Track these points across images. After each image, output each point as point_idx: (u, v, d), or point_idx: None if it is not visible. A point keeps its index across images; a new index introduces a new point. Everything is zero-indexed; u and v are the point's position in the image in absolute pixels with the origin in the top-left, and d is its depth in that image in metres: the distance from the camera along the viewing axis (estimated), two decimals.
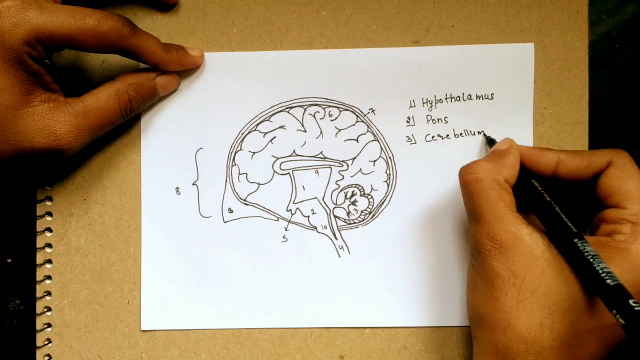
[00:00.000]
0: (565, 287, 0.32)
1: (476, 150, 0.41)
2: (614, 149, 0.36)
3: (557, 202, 0.35)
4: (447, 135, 0.41)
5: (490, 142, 0.40)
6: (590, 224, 0.36)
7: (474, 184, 0.35)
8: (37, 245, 0.42)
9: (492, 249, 0.33)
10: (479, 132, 0.41)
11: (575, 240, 0.32)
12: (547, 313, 0.32)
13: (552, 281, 0.32)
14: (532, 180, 0.36)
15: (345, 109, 0.41)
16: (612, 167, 0.35)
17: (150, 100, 0.41)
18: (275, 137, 0.41)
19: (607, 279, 0.30)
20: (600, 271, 0.30)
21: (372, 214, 0.41)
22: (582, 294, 0.32)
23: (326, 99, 0.41)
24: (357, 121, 0.41)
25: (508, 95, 0.41)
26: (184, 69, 0.41)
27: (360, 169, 0.41)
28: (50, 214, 0.42)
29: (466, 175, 0.35)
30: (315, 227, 0.41)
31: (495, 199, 0.34)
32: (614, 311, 0.29)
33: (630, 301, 0.29)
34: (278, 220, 0.42)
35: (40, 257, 0.42)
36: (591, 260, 0.31)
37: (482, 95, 0.41)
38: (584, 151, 0.36)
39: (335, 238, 0.41)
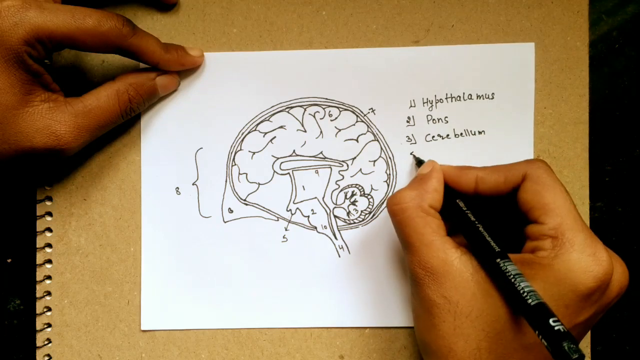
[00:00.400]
0: (495, 309, 0.32)
1: (476, 150, 0.41)
2: (530, 161, 0.36)
3: (484, 220, 0.34)
4: (448, 135, 0.41)
5: (419, 163, 0.40)
6: (521, 240, 0.36)
7: (400, 214, 0.35)
8: (37, 245, 0.42)
9: (425, 277, 0.33)
10: (480, 132, 0.41)
11: (498, 260, 0.32)
12: (482, 336, 0.32)
13: (483, 303, 0.32)
14: (457, 200, 0.36)
15: (345, 109, 0.41)
16: (528, 181, 0.34)
17: (150, 100, 0.41)
18: (275, 137, 0.41)
19: (528, 299, 0.30)
20: (521, 291, 0.30)
21: (372, 214, 0.41)
22: (510, 314, 0.32)
23: (326, 99, 0.41)
24: (357, 121, 0.41)
25: (508, 95, 0.40)
26: (184, 69, 0.41)
27: (360, 169, 0.41)
28: (50, 214, 0.42)
29: (392, 206, 0.35)
30: (315, 227, 0.41)
31: (421, 226, 0.34)
32: (537, 332, 0.29)
33: (551, 320, 0.29)
34: (278, 220, 0.42)
35: (40, 257, 0.42)
36: (512, 280, 0.31)
37: (482, 95, 0.41)
38: (502, 166, 0.36)
39: (335, 238, 0.41)
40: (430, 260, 0.33)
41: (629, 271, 0.34)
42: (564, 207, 0.33)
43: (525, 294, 0.30)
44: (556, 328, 0.28)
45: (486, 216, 0.35)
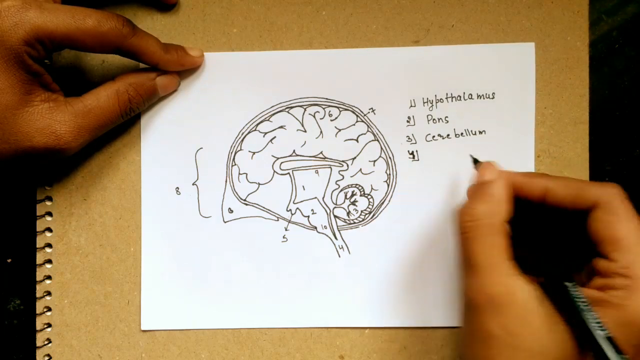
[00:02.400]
0: (559, 344, 0.30)
1: (477, 150, 0.41)
2: (605, 185, 0.33)
3: (553, 236, 0.33)
4: (448, 135, 0.41)
5: (476, 162, 0.38)
6: (590, 261, 0.34)
7: (472, 232, 0.32)
8: (37, 245, 0.42)
9: (486, 305, 0.31)
10: (480, 132, 0.41)
11: (567, 284, 0.31)
12: None
13: (547, 339, 0.30)
14: (528, 215, 0.34)
15: (345, 109, 0.41)
16: (599, 209, 0.32)
17: (150, 100, 0.41)
18: (275, 137, 0.41)
19: (598, 330, 0.29)
20: (591, 320, 0.29)
21: (372, 214, 0.41)
22: (574, 350, 0.31)
23: (326, 99, 0.41)
24: (357, 121, 0.41)
25: (509, 94, 0.40)
26: (184, 69, 0.41)
27: (360, 169, 0.41)
28: (50, 214, 0.42)
29: (467, 223, 0.33)
30: (315, 227, 0.41)
31: (489, 247, 0.32)
32: None
33: (622, 356, 0.28)
34: (278, 220, 0.42)
35: (40, 257, 0.42)
36: (582, 307, 0.30)
37: (482, 95, 0.41)
38: (574, 182, 0.34)
39: (335, 238, 0.41)
40: (494, 287, 0.31)
41: None
42: (638, 243, 0.31)
43: (596, 324, 0.29)
44: None
45: (554, 227, 0.33)
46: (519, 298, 0.31)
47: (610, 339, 0.29)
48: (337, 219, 0.41)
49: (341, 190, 0.41)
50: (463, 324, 0.34)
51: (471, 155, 0.39)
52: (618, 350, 0.28)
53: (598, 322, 0.29)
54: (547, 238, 0.33)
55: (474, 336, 0.32)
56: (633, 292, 0.31)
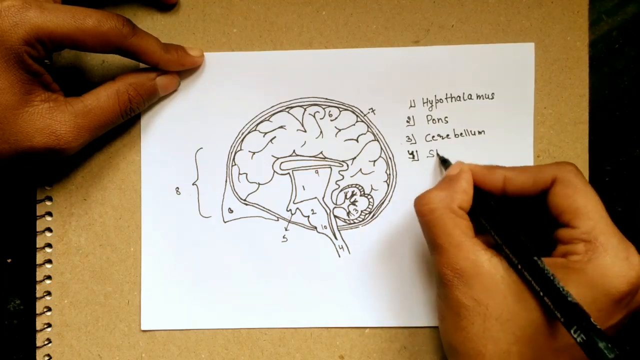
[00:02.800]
0: (527, 312, 0.32)
1: (476, 150, 0.41)
2: (559, 163, 0.35)
3: (513, 222, 0.34)
4: (448, 135, 0.41)
5: (443, 162, 0.40)
6: (550, 242, 0.36)
7: (429, 215, 0.34)
8: (37, 245, 0.42)
9: (454, 279, 0.33)
10: (480, 132, 0.41)
11: (535, 258, 0.32)
12: (512, 339, 0.31)
13: (514, 306, 0.32)
14: (489, 201, 0.35)
15: (345, 109, 0.41)
16: (558, 184, 0.34)
17: (150, 100, 0.41)
18: (275, 137, 0.41)
19: (568, 297, 0.30)
20: (560, 289, 0.30)
21: (372, 214, 0.41)
22: (543, 317, 0.32)
23: (326, 99, 0.41)
24: (357, 121, 0.41)
25: (508, 95, 0.40)
26: (184, 69, 0.41)
27: (360, 169, 0.41)
28: (50, 214, 0.42)
29: (421, 207, 0.35)
30: (315, 227, 0.41)
31: (451, 227, 0.33)
32: (573, 330, 0.29)
33: (591, 320, 0.29)
34: (278, 220, 0.42)
35: (40, 257, 0.42)
36: (551, 278, 0.31)
37: (482, 95, 0.41)
38: (530, 167, 0.36)
39: (335, 238, 0.41)
40: (460, 262, 0.33)
41: None
42: (596, 211, 0.33)
43: (564, 291, 0.30)
44: (596, 327, 0.29)
45: (513, 218, 0.35)
46: (485, 270, 0.32)
47: (578, 305, 0.30)
48: (337, 219, 0.41)
49: (341, 190, 0.41)
50: (437, 301, 0.35)
51: (437, 154, 0.40)
52: (587, 315, 0.29)
53: (567, 291, 0.30)
54: (507, 226, 0.34)
55: (448, 309, 0.33)
56: (594, 255, 0.32)
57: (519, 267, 0.32)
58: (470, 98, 0.41)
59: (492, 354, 0.31)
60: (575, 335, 0.29)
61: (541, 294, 0.31)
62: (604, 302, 0.32)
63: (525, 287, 0.32)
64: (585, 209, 0.33)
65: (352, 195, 0.41)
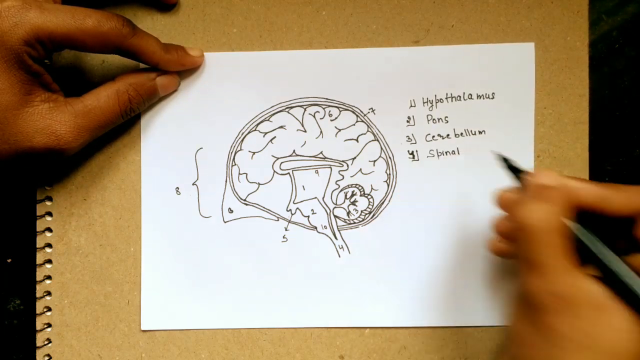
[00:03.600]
0: (636, 343, 0.29)
1: (476, 151, 0.41)
2: None
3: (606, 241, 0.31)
4: (448, 135, 0.41)
5: (513, 169, 0.35)
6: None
7: (535, 229, 0.31)
8: (37, 245, 0.42)
9: (557, 306, 0.29)
10: (480, 132, 0.41)
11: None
12: None
13: (626, 338, 0.29)
14: (585, 222, 0.32)
15: (345, 109, 0.41)
16: None
17: (150, 100, 0.41)
18: (275, 137, 0.41)
19: None
20: None
21: (372, 214, 0.41)
22: None
23: (326, 99, 0.41)
24: (357, 121, 0.41)
25: (509, 95, 0.40)
26: (184, 69, 0.41)
27: (360, 169, 0.41)
28: (50, 214, 0.42)
29: (528, 219, 0.31)
30: (315, 227, 0.41)
31: (561, 246, 0.30)
32: None
33: None
34: (278, 220, 0.42)
35: (40, 257, 0.42)
36: None
37: (482, 95, 0.41)
38: (629, 188, 0.32)
39: (335, 238, 0.41)
40: (564, 287, 0.30)
41: None
42: None
43: None
44: None
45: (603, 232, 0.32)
46: (592, 298, 0.29)
47: None
48: (337, 219, 0.41)
49: (341, 190, 0.41)
50: (517, 323, 0.32)
51: (505, 159, 0.35)
52: None
53: None
54: (611, 249, 0.31)
55: (539, 337, 0.30)
56: None
57: (625, 296, 0.30)
58: (471, 98, 0.41)
59: None
60: None
61: None
62: None
63: (632, 314, 0.29)
64: None
65: (352, 195, 0.41)
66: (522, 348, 0.31)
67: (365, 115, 0.41)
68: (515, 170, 0.35)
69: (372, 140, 0.41)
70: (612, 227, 0.32)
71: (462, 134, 0.41)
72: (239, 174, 0.42)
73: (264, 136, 0.42)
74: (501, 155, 0.35)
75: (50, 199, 0.42)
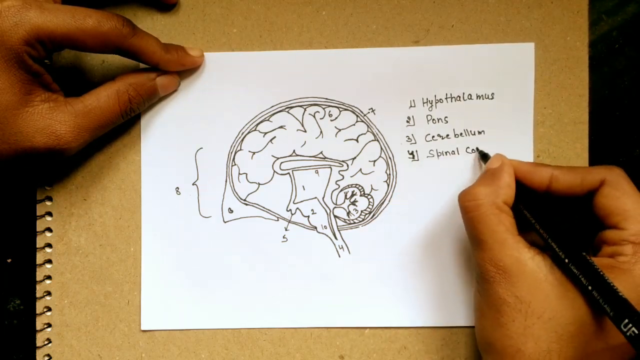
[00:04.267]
0: (570, 310, 0.32)
1: (475, 151, 0.41)
2: (608, 167, 0.36)
3: (557, 219, 0.34)
4: (447, 135, 0.41)
5: (483, 157, 0.40)
6: (591, 243, 0.36)
7: (475, 211, 0.34)
8: (37, 245, 0.42)
9: (496, 275, 0.33)
10: (479, 132, 0.41)
11: (584, 254, 0.32)
12: (554, 338, 0.32)
13: (557, 305, 0.32)
14: (534, 197, 0.35)
15: (345, 109, 0.41)
16: (607, 186, 0.34)
17: (150, 100, 0.41)
18: (275, 137, 0.41)
19: (619, 292, 0.30)
20: (611, 283, 0.30)
21: (372, 214, 0.41)
22: (588, 315, 0.32)
23: (326, 99, 0.41)
24: (357, 121, 0.41)
25: (508, 95, 0.40)
26: (184, 69, 0.41)
27: (360, 169, 0.41)
28: (50, 214, 0.42)
29: (466, 202, 0.35)
30: (315, 227, 0.41)
31: (496, 223, 0.34)
32: (625, 322, 0.29)
33: None
34: (278, 220, 0.42)
35: (40, 257, 0.42)
36: (601, 273, 0.31)
37: (482, 95, 0.41)
38: (578, 168, 0.36)
39: (335, 238, 0.41)
40: (504, 259, 0.33)
41: None
42: None
43: (614, 286, 0.30)
44: None
45: (555, 217, 0.35)
46: (528, 268, 0.33)
47: (628, 302, 0.30)
48: (337, 219, 0.41)
49: (341, 190, 0.41)
50: (476, 296, 0.35)
51: (477, 149, 0.40)
52: (637, 310, 0.29)
53: (616, 287, 0.30)
54: (554, 222, 0.34)
55: (487, 306, 0.34)
56: None
57: (566, 262, 0.32)
58: (470, 98, 0.41)
59: (532, 352, 0.32)
60: (625, 330, 0.29)
61: (590, 288, 0.31)
62: None
63: (569, 286, 0.32)
64: (634, 211, 0.33)
65: (352, 195, 0.41)
66: (479, 319, 0.35)
67: (365, 115, 0.41)
68: (485, 158, 0.39)
69: (372, 140, 0.41)
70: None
71: (462, 134, 0.41)
72: (239, 174, 0.42)
73: (264, 136, 0.42)
74: (478, 150, 0.40)
75: (50, 199, 0.42)
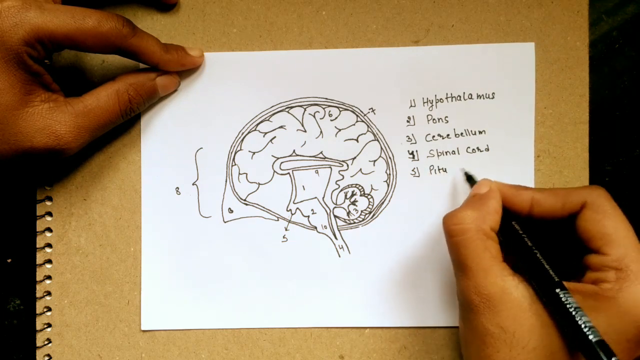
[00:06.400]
0: (552, 341, 0.31)
1: (476, 150, 0.41)
2: (590, 187, 0.35)
3: (540, 245, 0.34)
4: (448, 135, 0.41)
5: (469, 179, 0.39)
6: (579, 265, 0.35)
7: (460, 235, 0.33)
8: (37, 245, 0.42)
9: (480, 305, 0.32)
10: (480, 132, 0.41)
11: (557, 290, 0.31)
12: None
13: (542, 334, 0.31)
14: (513, 223, 0.35)
15: (345, 109, 0.41)
16: (588, 209, 0.34)
17: (150, 100, 0.41)
18: (275, 137, 0.41)
19: (590, 334, 0.29)
20: (582, 325, 0.30)
21: (372, 214, 0.41)
22: (563, 351, 0.31)
23: (326, 98, 0.41)
24: (357, 121, 0.41)
25: (509, 94, 0.40)
26: (184, 69, 0.41)
27: (360, 169, 0.41)
28: (50, 214, 0.42)
29: (452, 226, 0.34)
30: (315, 227, 0.41)
31: (482, 250, 0.33)
32: None
33: (614, 359, 0.28)
34: (278, 220, 0.42)
35: (40, 257, 0.42)
36: (573, 312, 0.30)
37: (482, 95, 0.41)
38: (560, 190, 0.35)
39: (335, 238, 0.41)
40: (488, 287, 0.32)
41: None
42: (626, 238, 0.33)
43: (587, 329, 0.29)
44: None
45: (540, 239, 0.34)
46: (513, 297, 0.32)
47: (601, 343, 0.29)
48: (337, 219, 0.41)
49: (341, 190, 0.41)
50: (460, 324, 0.35)
51: (465, 172, 0.40)
52: (609, 353, 0.29)
53: (591, 327, 0.30)
54: (534, 249, 0.33)
55: (473, 335, 0.33)
56: (625, 283, 0.32)
57: (543, 298, 0.32)
58: (471, 98, 0.41)
59: None
60: None
61: (565, 329, 0.31)
62: (634, 333, 0.31)
63: (549, 319, 0.32)
64: (615, 235, 0.33)
65: (352, 195, 0.41)
66: (465, 347, 0.34)
67: (365, 115, 0.41)
68: (471, 180, 0.39)
69: (372, 140, 0.41)
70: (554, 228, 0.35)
71: (462, 134, 0.41)
72: (239, 174, 0.42)
73: (264, 136, 0.42)
74: (464, 169, 0.40)
75: (50, 199, 0.42)
